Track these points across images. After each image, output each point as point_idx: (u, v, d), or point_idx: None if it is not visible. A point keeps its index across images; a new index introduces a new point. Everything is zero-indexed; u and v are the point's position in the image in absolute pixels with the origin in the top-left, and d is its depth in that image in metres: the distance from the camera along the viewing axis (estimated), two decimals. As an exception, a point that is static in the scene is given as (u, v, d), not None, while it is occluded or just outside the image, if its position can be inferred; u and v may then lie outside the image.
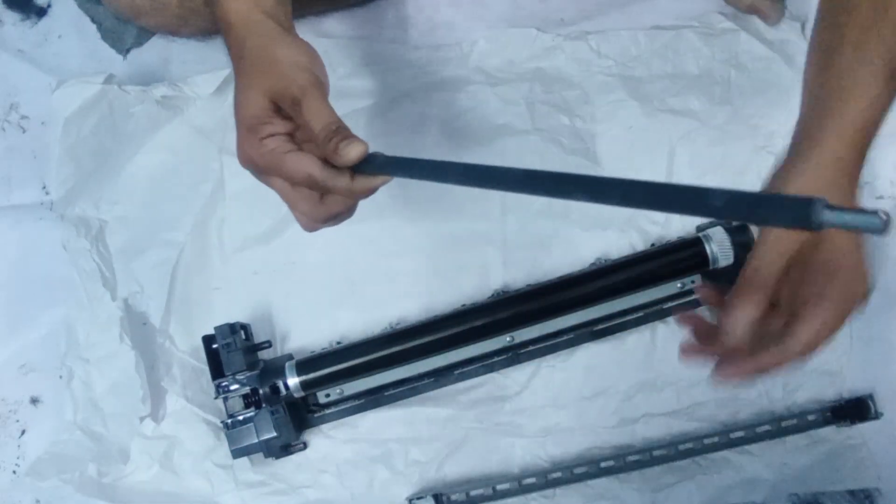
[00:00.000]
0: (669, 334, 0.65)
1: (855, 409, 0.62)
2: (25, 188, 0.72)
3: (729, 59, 0.66)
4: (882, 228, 0.25)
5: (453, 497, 0.63)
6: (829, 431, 0.63)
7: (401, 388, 0.64)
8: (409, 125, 0.69)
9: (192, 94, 0.68)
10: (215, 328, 0.63)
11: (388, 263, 0.67)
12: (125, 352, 0.65)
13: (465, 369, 0.64)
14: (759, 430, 0.62)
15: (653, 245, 0.65)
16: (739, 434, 0.62)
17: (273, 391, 0.62)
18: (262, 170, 0.44)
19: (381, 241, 0.68)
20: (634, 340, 0.65)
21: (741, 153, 0.66)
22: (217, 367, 0.63)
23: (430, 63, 0.70)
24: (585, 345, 0.64)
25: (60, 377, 0.68)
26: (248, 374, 0.62)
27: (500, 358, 0.64)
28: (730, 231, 0.61)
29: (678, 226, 0.66)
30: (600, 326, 0.64)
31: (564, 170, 0.69)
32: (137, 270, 0.68)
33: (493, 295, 0.65)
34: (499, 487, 0.63)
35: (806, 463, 0.63)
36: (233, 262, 0.69)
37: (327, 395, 0.63)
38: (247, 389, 0.62)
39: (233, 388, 0.62)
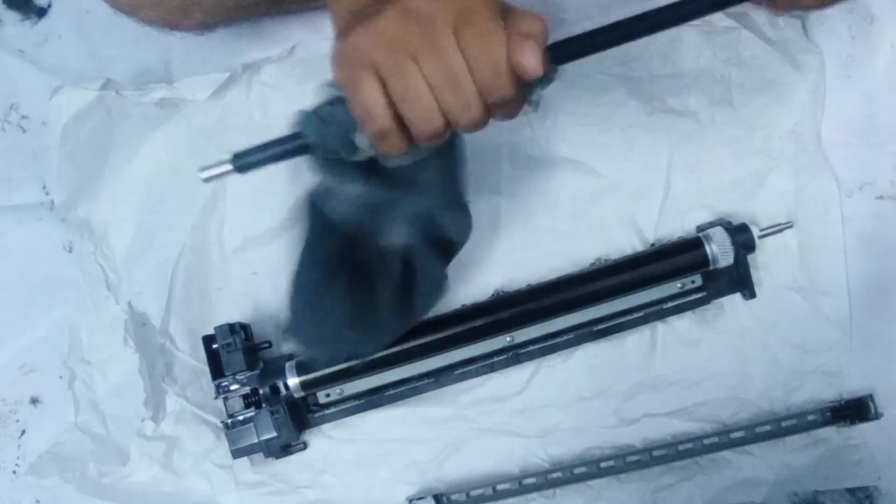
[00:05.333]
0: (669, 334, 0.65)
1: (855, 409, 0.62)
2: (25, 188, 0.72)
3: (730, 57, 0.66)
4: None
5: (453, 497, 0.63)
6: (829, 431, 0.63)
7: (401, 388, 0.64)
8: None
9: (190, 96, 0.68)
10: (215, 328, 0.63)
11: (388, 263, 0.67)
12: (129, 354, 0.65)
13: (465, 369, 0.64)
14: (759, 430, 0.62)
15: (653, 245, 0.65)
16: (739, 434, 0.62)
17: (273, 391, 0.62)
18: None
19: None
20: (634, 340, 0.65)
21: (740, 153, 0.66)
22: (217, 368, 0.63)
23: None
24: (585, 345, 0.64)
25: (61, 377, 0.68)
26: (248, 374, 0.62)
27: (500, 358, 0.64)
28: (730, 231, 0.61)
29: (677, 226, 0.66)
30: (600, 326, 0.63)
31: (565, 170, 0.69)
32: (138, 271, 0.68)
33: (493, 295, 0.65)
34: (499, 487, 0.63)
35: (806, 463, 0.63)
36: (233, 262, 0.69)
37: (327, 395, 0.63)
38: (247, 389, 0.62)
39: (233, 388, 0.62)
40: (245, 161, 0.44)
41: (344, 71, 0.40)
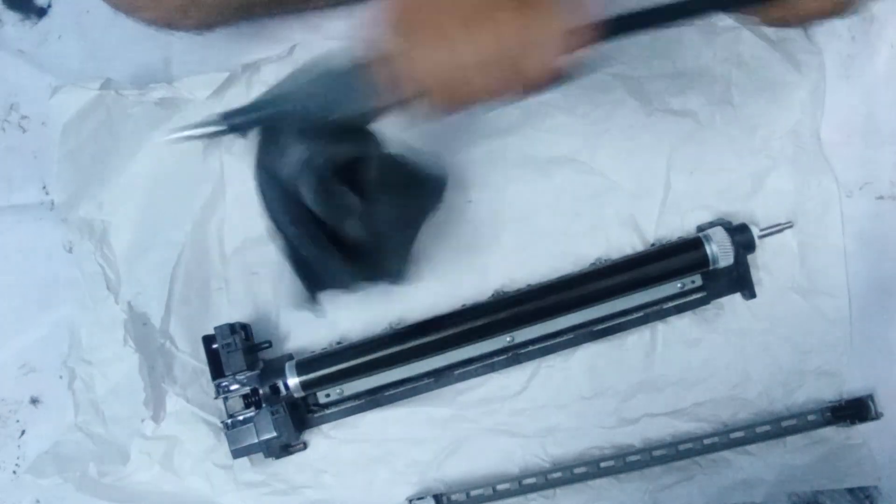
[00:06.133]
0: (669, 334, 0.65)
1: (855, 409, 0.62)
2: (25, 188, 0.72)
3: (730, 57, 0.66)
4: None
5: (453, 497, 0.63)
6: (829, 431, 0.63)
7: (401, 388, 0.64)
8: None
9: (189, 95, 0.68)
10: (215, 328, 0.63)
11: (387, 263, 0.67)
12: (128, 355, 0.65)
13: (465, 369, 0.64)
14: (759, 430, 0.62)
15: (653, 245, 0.65)
16: (739, 434, 0.62)
17: (273, 391, 0.62)
18: None
19: (381, 241, 0.68)
20: (634, 340, 0.65)
21: (740, 154, 0.66)
22: (217, 368, 0.63)
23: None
24: (585, 345, 0.64)
25: (61, 377, 0.68)
26: (248, 374, 0.62)
27: (500, 358, 0.64)
28: (730, 231, 0.61)
29: (677, 226, 0.66)
30: (600, 326, 0.64)
31: (565, 170, 0.69)
32: (138, 271, 0.68)
33: (493, 295, 0.65)
34: (499, 487, 0.63)
35: (806, 463, 0.63)
36: (233, 262, 0.69)
37: (327, 395, 0.63)
38: (247, 389, 0.62)
39: (233, 388, 0.62)
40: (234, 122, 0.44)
41: (397, 29, 0.40)
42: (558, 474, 0.63)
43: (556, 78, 0.42)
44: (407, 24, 0.41)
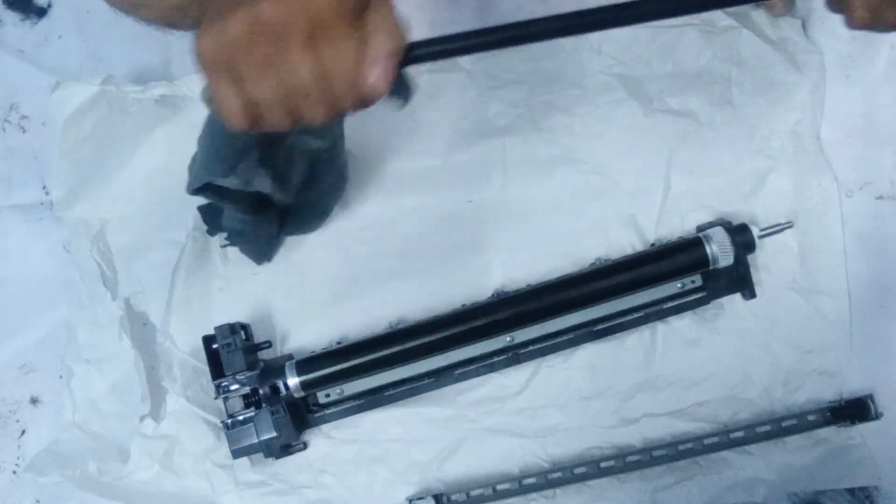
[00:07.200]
0: (669, 334, 0.65)
1: (855, 409, 0.62)
2: (25, 188, 0.72)
3: (730, 57, 0.66)
4: None
5: (453, 497, 0.63)
6: (829, 431, 0.63)
7: (401, 388, 0.64)
8: (409, 131, 0.69)
9: (189, 92, 0.68)
10: (215, 328, 0.63)
11: (388, 263, 0.67)
12: (125, 351, 0.65)
13: (465, 369, 0.64)
14: (759, 430, 0.62)
15: (653, 245, 0.65)
16: (739, 434, 0.62)
17: (273, 391, 0.62)
18: None
19: (381, 241, 0.68)
20: (634, 340, 0.65)
21: (740, 154, 0.66)
22: (217, 367, 0.63)
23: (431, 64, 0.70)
24: (585, 345, 0.64)
25: (60, 377, 0.68)
26: (248, 374, 0.62)
27: (500, 358, 0.64)
28: (730, 231, 0.61)
29: (677, 226, 0.66)
30: (600, 326, 0.63)
31: (565, 170, 0.69)
32: (138, 270, 0.69)
33: (493, 295, 0.65)
34: (499, 487, 0.63)
35: (806, 463, 0.63)
36: (233, 262, 0.69)
37: (327, 395, 0.63)
38: (247, 389, 0.62)
39: (233, 388, 0.62)
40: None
41: (201, 69, 0.41)
42: (558, 474, 0.63)
43: (366, 101, 0.41)
44: (212, 65, 0.41)
